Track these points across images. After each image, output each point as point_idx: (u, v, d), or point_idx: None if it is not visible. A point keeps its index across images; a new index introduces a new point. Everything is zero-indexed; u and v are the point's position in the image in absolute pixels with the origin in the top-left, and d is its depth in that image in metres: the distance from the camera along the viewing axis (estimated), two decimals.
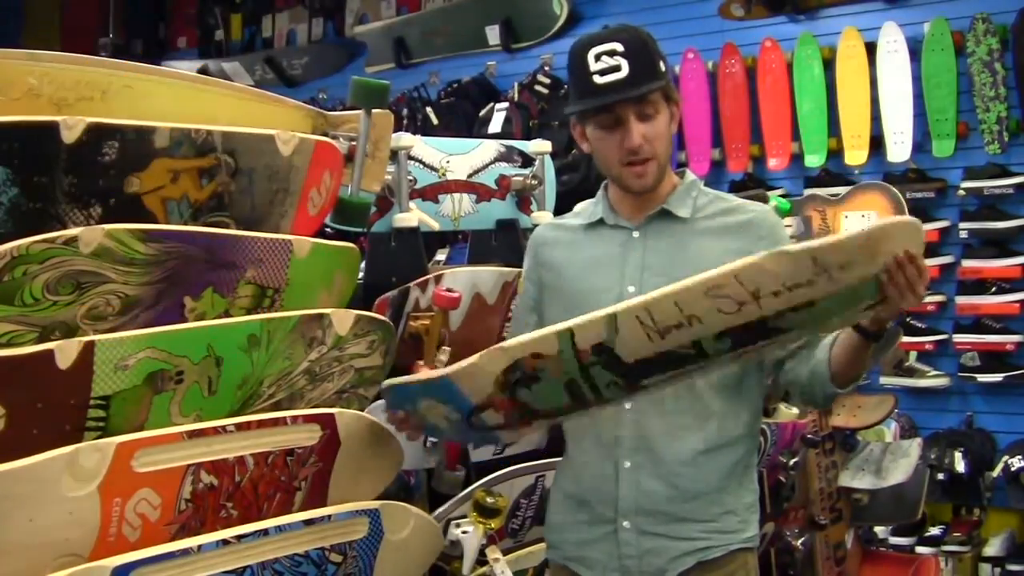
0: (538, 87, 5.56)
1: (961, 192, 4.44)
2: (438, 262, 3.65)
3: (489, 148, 2.89)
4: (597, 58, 1.88)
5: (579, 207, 2.18)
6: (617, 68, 1.87)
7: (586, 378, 1.78)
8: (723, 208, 2.00)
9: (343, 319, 1.98)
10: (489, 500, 2.27)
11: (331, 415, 1.94)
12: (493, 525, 2.27)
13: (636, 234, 1.98)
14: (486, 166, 2.84)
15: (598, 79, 1.88)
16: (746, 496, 2.00)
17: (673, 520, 1.92)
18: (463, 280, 2.45)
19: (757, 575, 2.03)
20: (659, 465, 1.92)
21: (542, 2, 5.76)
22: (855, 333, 1.80)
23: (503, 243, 2.82)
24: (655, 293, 1.71)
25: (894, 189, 3.19)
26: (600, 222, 2.03)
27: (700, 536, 1.93)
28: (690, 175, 2.04)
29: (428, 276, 2.42)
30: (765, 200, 3.10)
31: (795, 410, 3.19)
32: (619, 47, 1.88)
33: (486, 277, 2.49)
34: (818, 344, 1.89)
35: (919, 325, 4.55)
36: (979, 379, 4.42)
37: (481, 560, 2.29)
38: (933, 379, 4.50)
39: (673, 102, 1.95)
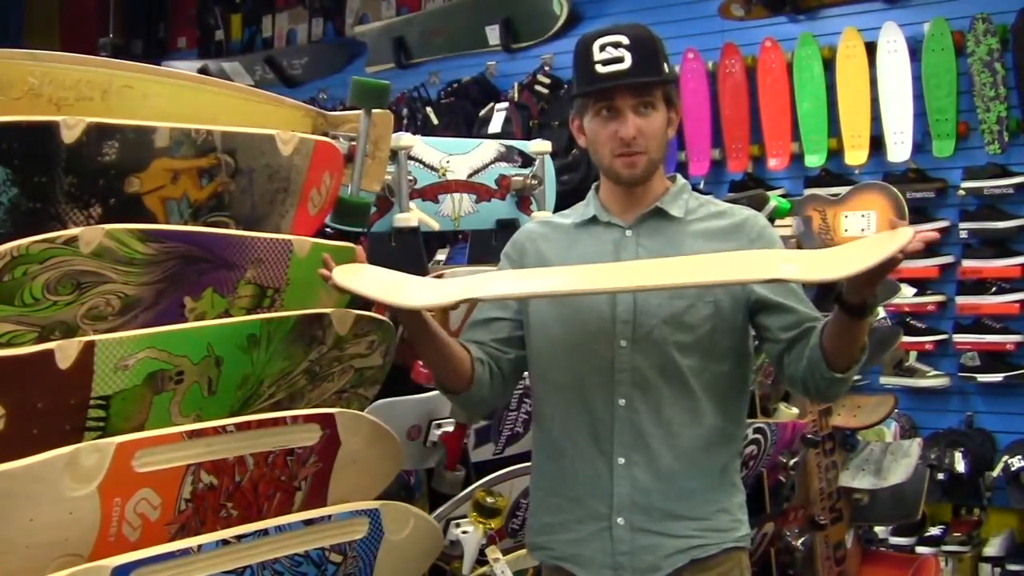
0: (538, 87, 5.56)
1: (961, 192, 4.44)
2: (438, 262, 3.64)
3: (489, 148, 2.89)
4: (602, 48, 1.90)
5: (570, 208, 2.18)
6: (620, 59, 1.89)
7: None
8: (713, 211, 2.01)
9: (343, 319, 1.98)
10: (489, 500, 2.28)
11: (331, 415, 1.94)
12: (493, 525, 2.28)
13: (629, 233, 1.99)
14: (486, 166, 2.84)
15: (600, 68, 1.90)
16: (737, 495, 2.01)
17: (667, 517, 1.92)
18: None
19: (750, 574, 2.03)
20: (653, 462, 1.92)
21: (542, 2, 5.76)
22: (840, 311, 1.78)
23: (503, 243, 2.81)
24: (655, 281, 1.82)
25: (894, 189, 3.18)
26: (592, 220, 2.03)
27: (694, 534, 1.93)
28: (681, 179, 2.05)
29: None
30: (765, 200, 3.10)
31: (795, 410, 3.20)
32: (624, 40, 1.90)
33: None
34: (813, 335, 1.88)
35: (919, 325, 4.56)
36: (979, 379, 4.42)
37: (481, 560, 2.29)
38: (933, 379, 4.51)
39: (673, 107, 1.96)
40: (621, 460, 1.93)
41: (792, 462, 3.18)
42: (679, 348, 1.92)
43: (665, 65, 1.94)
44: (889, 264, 1.65)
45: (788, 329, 1.92)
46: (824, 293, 2.55)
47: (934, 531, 4.36)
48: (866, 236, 2.92)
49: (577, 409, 1.96)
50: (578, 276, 1.90)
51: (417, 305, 1.89)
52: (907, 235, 1.66)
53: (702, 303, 1.92)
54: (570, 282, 1.89)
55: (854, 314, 1.77)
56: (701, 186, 4.89)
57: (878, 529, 4.19)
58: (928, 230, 1.72)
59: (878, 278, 1.72)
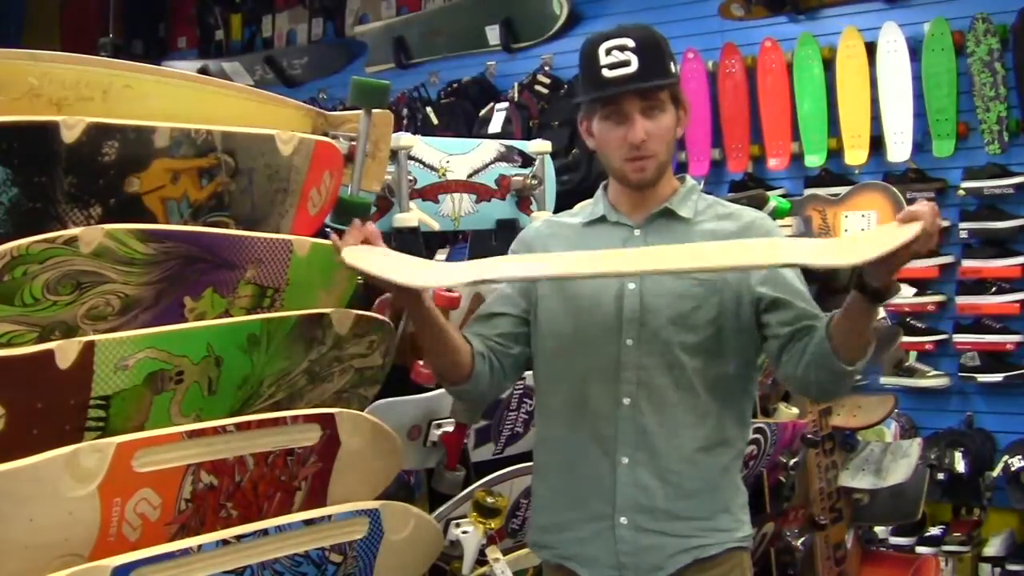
0: (538, 87, 5.56)
1: (961, 192, 4.44)
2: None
3: (489, 148, 2.89)
4: (608, 52, 1.90)
5: (576, 208, 2.18)
6: (627, 63, 1.88)
7: None
8: (722, 212, 2.02)
9: (343, 319, 1.98)
10: (489, 500, 2.27)
11: (331, 415, 1.94)
12: (493, 525, 2.27)
13: (638, 232, 1.99)
14: (486, 166, 2.84)
15: (607, 72, 1.89)
16: (739, 496, 2.01)
17: (670, 517, 1.92)
18: None
19: (752, 574, 2.04)
20: (657, 461, 1.92)
21: (542, 2, 5.76)
22: (858, 295, 1.76)
23: (503, 243, 2.81)
24: (662, 266, 1.85)
25: (894, 189, 3.18)
26: (601, 220, 2.03)
27: (697, 534, 1.93)
28: (690, 180, 2.06)
29: None
30: (765, 200, 3.10)
31: (795, 410, 3.19)
32: (630, 43, 1.89)
33: None
34: (815, 333, 1.87)
35: (919, 325, 4.56)
36: (979, 379, 4.42)
37: (481, 560, 2.29)
38: (933, 379, 4.51)
39: (681, 106, 1.97)
40: (624, 460, 1.93)
41: (792, 462, 3.18)
42: (684, 348, 1.92)
43: (672, 65, 1.94)
44: (906, 249, 1.64)
45: (786, 324, 1.91)
46: (827, 290, 2.55)
47: (934, 531, 4.36)
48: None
49: (581, 407, 1.96)
50: (586, 260, 1.90)
51: (420, 284, 1.87)
52: (917, 228, 1.65)
53: (708, 304, 1.92)
54: (577, 265, 1.88)
55: (874, 298, 1.75)
56: (701, 186, 4.88)
57: (878, 529, 4.19)
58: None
59: (900, 262, 1.70)
